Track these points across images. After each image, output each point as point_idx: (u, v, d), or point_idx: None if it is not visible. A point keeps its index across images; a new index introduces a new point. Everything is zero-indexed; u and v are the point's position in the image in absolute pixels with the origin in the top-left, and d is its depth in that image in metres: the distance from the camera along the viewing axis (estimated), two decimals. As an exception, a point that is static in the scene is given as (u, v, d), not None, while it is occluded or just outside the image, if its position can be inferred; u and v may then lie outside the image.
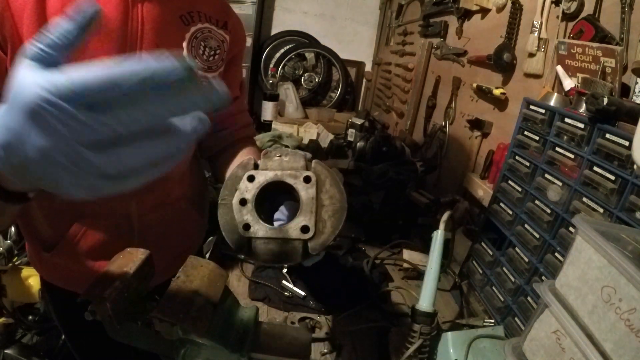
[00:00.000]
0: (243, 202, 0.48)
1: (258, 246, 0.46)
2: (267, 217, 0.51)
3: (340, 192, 0.48)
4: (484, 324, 0.88)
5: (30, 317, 1.65)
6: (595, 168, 0.70)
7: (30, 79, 0.26)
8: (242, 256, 1.06)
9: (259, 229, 0.46)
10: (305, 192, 0.47)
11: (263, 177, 0.49)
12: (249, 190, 0.48)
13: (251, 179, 0.49)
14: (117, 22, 0.62)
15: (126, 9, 0.62)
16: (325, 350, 0.81)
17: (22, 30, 0.56)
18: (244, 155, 0.80)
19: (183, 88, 0.27)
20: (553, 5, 1.02)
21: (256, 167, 0.51)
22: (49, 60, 0.28)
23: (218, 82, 0.28)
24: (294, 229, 0.45)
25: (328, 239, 0.45)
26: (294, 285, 0.97)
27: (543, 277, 0.77)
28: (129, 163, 0.28)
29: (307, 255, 0.45)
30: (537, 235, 0.81)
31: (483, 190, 1.19)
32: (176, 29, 0.69)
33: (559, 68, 0.93)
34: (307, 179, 0.48)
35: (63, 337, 1.52)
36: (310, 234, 0.45)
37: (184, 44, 0.70)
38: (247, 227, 0.46)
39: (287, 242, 0.45)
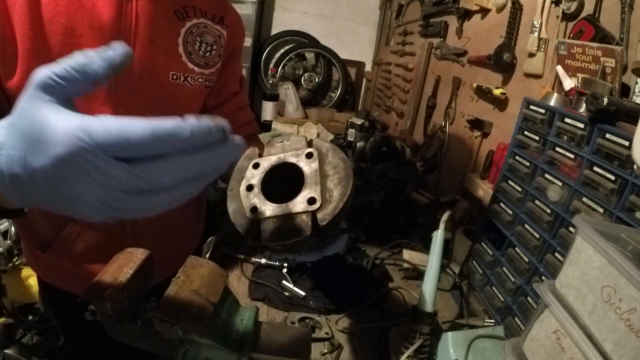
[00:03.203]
0: (250, 187, 0.48)
1: (266, 227, 0.45)
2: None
3: (344, 161, 0.47)
4: (484, 324, 0.88)
5: (30, 317, 1.65)
6: (595, 168, 0.70)
7: (63, 124, 0.25)
8: (243, 256, 1.06)
9: (266, 209, 0.46)
10: (308, 167, 0.47)
11: (267, 162, 0.50)
12: (254, 176, 0.49)
13: (256, 166, 0.50)
14: (110, 18, 0.61)
15: (120, 3, 0.61)
16: (325, 350, 0.81)
17: (14, 19, 0.55)
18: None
19: (215, 147, 0.28)
20: (553, 5, 1.02)
21: (260, 156, 0.52)
22: (60, 94, 0.27)
23: (239, 139, 0.29)
24: (300, 203, 0.45)
25: (337, 207, 0.44)
26: (294, 285, 0.97)
27: (543, 277, 0.77)
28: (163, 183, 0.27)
29: (317, 228, 0.43)
30: (537, 235, 0.81)
31: (483, 190, 1.19)
32: (171, 24, 0.68)
33: (559, 68, 0.93)
34: (308, 155, 0.48)
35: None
36: (317, 204, 0.44)
37: (179, 40, 0.69)
38: (254, 209, 0.46)
39: (294, 217, 0.44)
